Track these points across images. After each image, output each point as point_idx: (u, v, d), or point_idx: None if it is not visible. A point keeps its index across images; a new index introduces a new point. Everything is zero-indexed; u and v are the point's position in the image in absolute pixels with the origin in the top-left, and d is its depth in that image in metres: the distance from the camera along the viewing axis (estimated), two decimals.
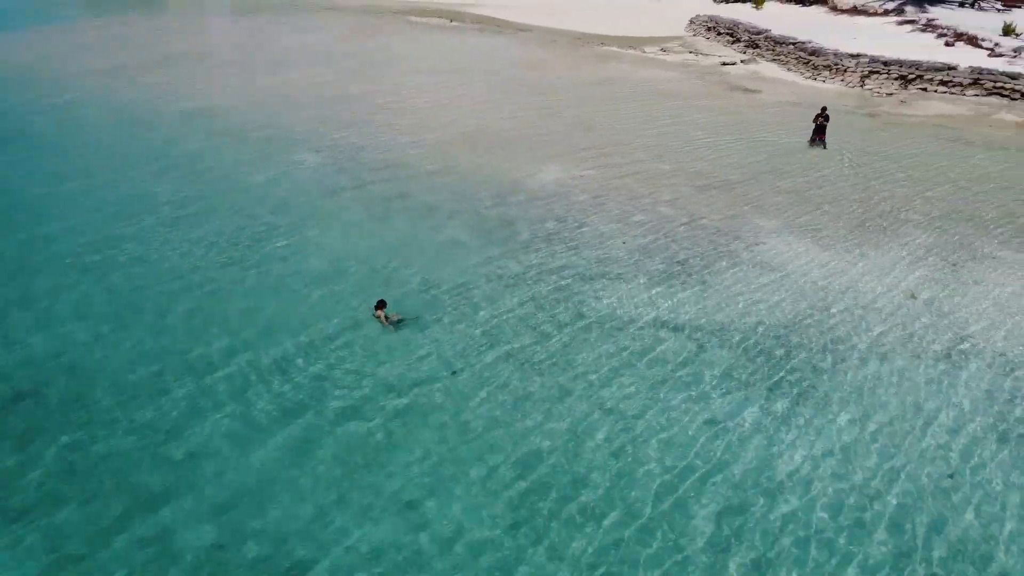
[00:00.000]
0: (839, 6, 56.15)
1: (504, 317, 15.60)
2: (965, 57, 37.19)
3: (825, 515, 10.73)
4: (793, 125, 29.24)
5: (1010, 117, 31.19)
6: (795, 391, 13.43)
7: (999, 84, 33.32)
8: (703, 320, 15.66)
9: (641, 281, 17.18)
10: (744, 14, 54.36)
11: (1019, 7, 52.83)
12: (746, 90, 35.43)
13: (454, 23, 54.42)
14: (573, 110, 31.33)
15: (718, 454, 11.82)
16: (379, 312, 15.14)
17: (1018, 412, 12.99)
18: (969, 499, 11.05)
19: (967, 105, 32.55)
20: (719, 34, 47.86)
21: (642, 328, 15.33)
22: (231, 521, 10.35)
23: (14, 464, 11.21)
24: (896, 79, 35.23)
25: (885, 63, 35.66)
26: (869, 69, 35.83)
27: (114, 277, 16.64)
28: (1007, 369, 14.20)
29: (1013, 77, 33.25)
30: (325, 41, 45.35)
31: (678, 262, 18.15)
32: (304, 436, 12.00)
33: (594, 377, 13.69)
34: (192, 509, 10.50)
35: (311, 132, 27.35)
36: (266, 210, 20.53)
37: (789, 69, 38.91)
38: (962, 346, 14.88)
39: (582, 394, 13.21)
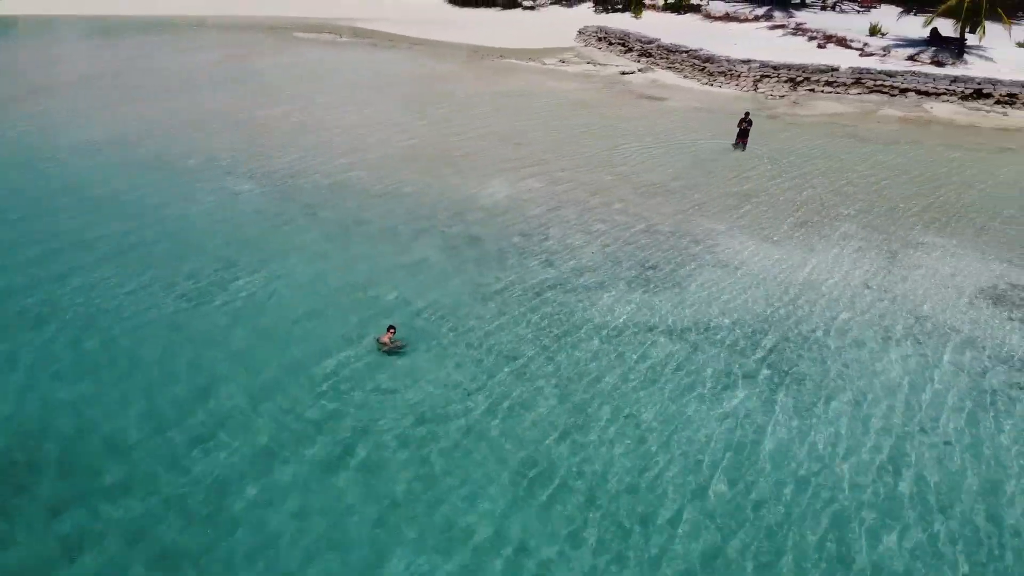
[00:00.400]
0: (712, 13, 59.53)
1: (500, 335, 15.62)
2: (838, 57, 40.52)
3: (844, 477, 11.51)
4: (705, 130, 30.85)
5: (892, 112, 34.25)
6: (788, 380, 14.25)
7: (879, 83, 36.52)
8: (689, 321, 16.29)
9: (621, 288, 17.67)
10: (624, 23, 56.77)
11: (876, 7, 58.00)
12: (652, 98, 36.99)
13: (344, 39, 53.56)
14: (498, 123, 31.67)
15: (743, 442, 12.39)
16: (387, 337, 14.82)
17: (991, 381, 14.36)
18: (959, 457, 12.16)
19: (853, 103, 35.46)
20: (610, 44, 49.68)
21: (636, 333, 15.78)
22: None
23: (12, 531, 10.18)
24: (786, 82, 37.88)
25: (775, 67, 38.27)
26: (760, 73, 38.32)
27: (76, 331, 15.32)
28: (965, 342, 15.65)
29: (890, 75, 36.53)
30: (212, 60, 43.54)
31: (649, 267, 18.79)
32: (341, 475, 11.57)
33: (608, 385, 13.98)
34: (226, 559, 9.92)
35: (237, 158, 26.20)
36: (217, 244, 19.52)
37: (685, 76, 40.96)
38: (922, 326, 16.26)
39: (603, 402, 13.46)
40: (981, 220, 22.33)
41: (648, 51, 44.79)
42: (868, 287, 17.93)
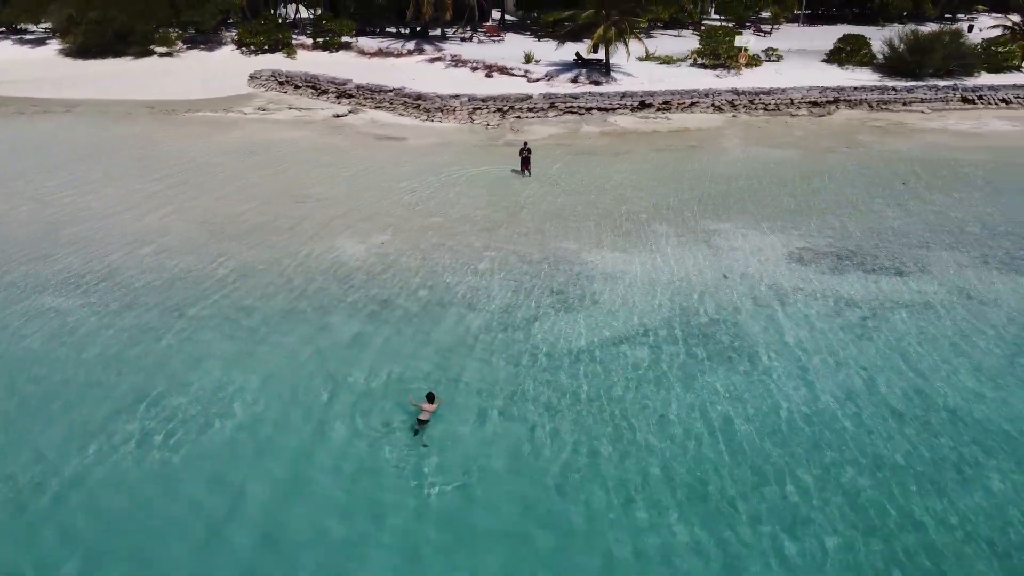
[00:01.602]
0: (365, 50, 61.95)
1: (471, 382, 16.73)
2: (510, 85, 45.95)
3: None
4: (473, 161, 33.67)
5: (591, 128, 40.69)
6: (730, 354, 17.88)
7: (568, 104, 42.87)
8: (624, 332, 18.98)
9: (551, 318, 19.67)
10: (279, 63, 56.26)
11: (500, 37, 65.82)
12: (391, 138, 38.43)
13: None
14: (264, 182, 30.56)
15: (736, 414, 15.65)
16: (429, 405, 14.90)
17: (845, 316, 19.62)
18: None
19: (557, 125, 41.19)
20: (297, 87, 49.36)
21: (595, 352, 17.98)
22: None
23: None
24: (496, 112, 42.30)
25: (483, 99, 42.43)
26: (472, 106, 42.16)
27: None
28: (809, 294, 20.88)
29: (575, 97, 43.13)
30: None
31: (556, 292, 21.04)
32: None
33: (611, 400, 16.10)
34: None
35: (24, 272, 21.76)
36: (108, 376, 16.78)
37: (401, 114, 43.05)
38: (779, 292, 21.18)
39: (609, 415, 15.56)
40: (739, 204, 28.57)
41: (347, 92, 45.75)
42: (725, 277, 22.24)
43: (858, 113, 43.75)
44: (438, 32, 63.73)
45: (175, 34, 61.22)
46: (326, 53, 61.51)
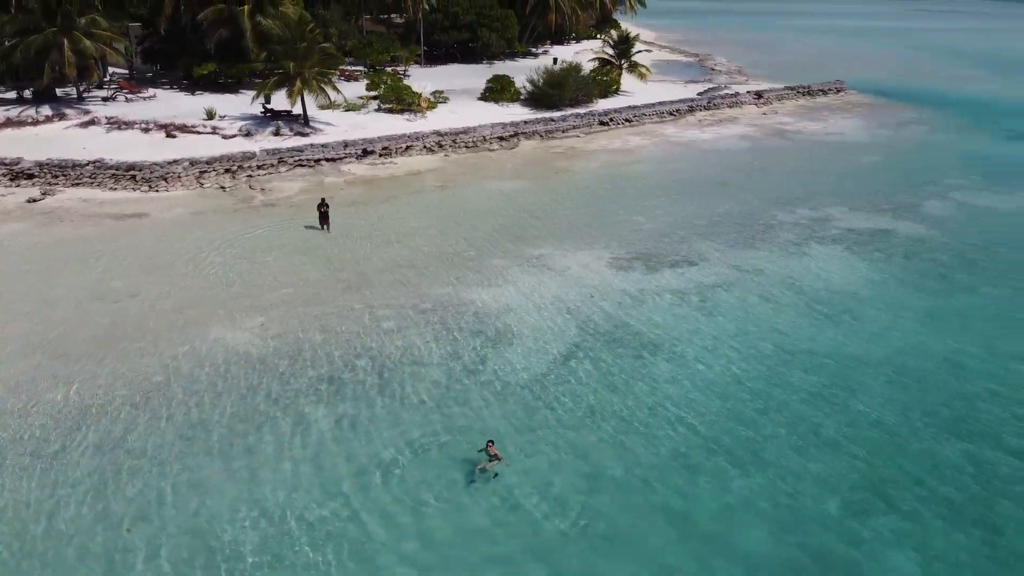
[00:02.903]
0: None
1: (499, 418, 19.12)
2: (206, 144, 44.25)
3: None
4: (237, 228, 32.86)
5: (335, 179, 41.77)
6: (635, 345, 22.85)
7: (296, 158, 43.11)
8: (557, 350, 22.62)
9: (492, 352, 22.22)
10: None
11: (139, 93, 60.86)
12: (131, 215, 34.85)
13: None
14: (55, 286, 26.31)
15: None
16: (492, 451, 16.77)
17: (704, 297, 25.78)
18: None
19: (302, 179, 41.41)
20: None
21: (554, 366, 21.38)
22: None
23: None
24: (224, 173, 40.68)
25: (207, 161, 40.42)
26: (199, 170, 39.91)
27: None
28: (659, 292, 26.63)
29: (299, 150, 43.54)
30: None
31: (476, 332, 23.51)
32: None
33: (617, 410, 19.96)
34: None
35: None
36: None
37: (113, 188, 38.74)
38: (633, 296, 26.48)
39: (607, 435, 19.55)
40: (532, 231, 33.21)
41: (26, 172, 39.20)
42: (592, 297, 26.73)
43: (536, 143, 51.99)
44: (69, 93, 56.73)
45: None
46: None
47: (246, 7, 55.16)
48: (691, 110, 62.44)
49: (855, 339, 23.65)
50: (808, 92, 71.90)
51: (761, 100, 67.70)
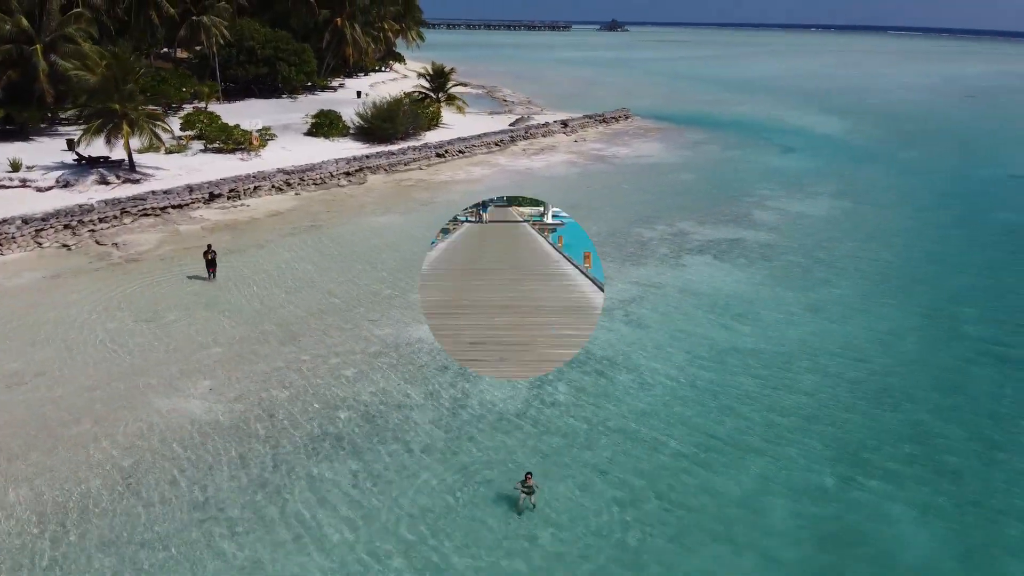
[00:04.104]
0: None
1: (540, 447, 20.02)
2: (17, 199, 39.27)
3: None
4: (111, 291, 30.06)
5: (190, 227, 38.93)
6: (596, 364, 24.70)
7: (140, 208, 39.47)
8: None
9: (489, 384, 22.80)
10: None
11: None
12: None
13: None
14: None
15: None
16: (530, 482, 17.50)
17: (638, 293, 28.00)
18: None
19: (159, 231, 38.04)
20: None
21: (531, 418, 22.55)
22: None
23: None
24: (64, 229, 36.33)
25: (42, 219, 35.85)
26: (33, 228, 35.29)
27: None
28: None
29: (142, 199, 39.91)
30: None
31: (449, 367, 23.77)
32: None
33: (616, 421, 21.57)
34: None
35: None
36: None
37: None
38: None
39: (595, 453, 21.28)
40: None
41: None
42: None
43: (383, 176, 51.96)
44: None
45: None
46: None
47: (39, 46, 49.42)
48: (513, 140, 65.85)
49: (765, 334, 27.14)
50: (604, 120, 78.75)
51: (568, 128, 73.04)
